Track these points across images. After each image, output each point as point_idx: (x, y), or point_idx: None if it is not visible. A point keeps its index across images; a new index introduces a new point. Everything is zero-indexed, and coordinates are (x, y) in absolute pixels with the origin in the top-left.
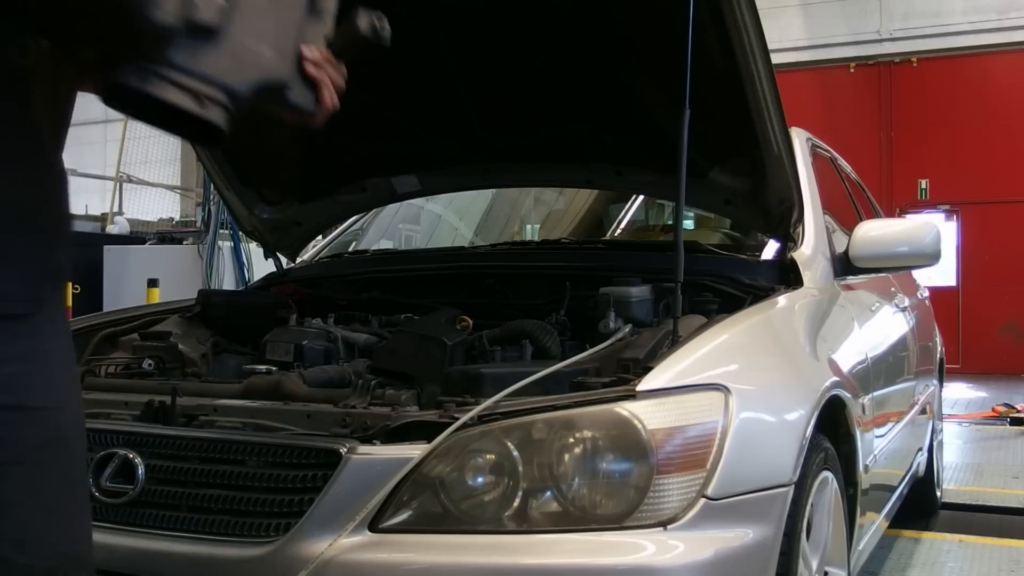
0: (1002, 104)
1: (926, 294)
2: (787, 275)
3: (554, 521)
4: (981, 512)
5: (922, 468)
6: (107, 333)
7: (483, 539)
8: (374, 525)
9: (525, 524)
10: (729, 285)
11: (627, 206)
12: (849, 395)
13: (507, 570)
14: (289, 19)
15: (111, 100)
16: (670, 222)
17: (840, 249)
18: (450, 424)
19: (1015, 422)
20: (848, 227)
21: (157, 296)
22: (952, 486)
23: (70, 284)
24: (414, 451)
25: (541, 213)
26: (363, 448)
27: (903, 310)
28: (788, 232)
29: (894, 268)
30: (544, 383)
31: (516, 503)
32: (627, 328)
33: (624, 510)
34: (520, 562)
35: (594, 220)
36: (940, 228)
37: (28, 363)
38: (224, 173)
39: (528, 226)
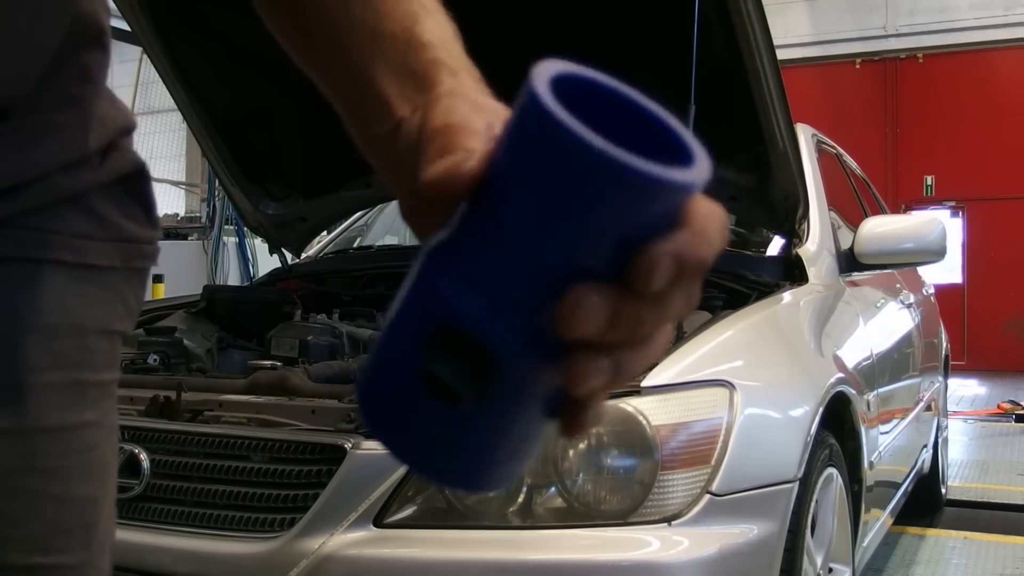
0: (1008, 100)
1: (931, 291)
2: (792, 271)
3: (559, 517)
4: (986, 509)
5: (927, 465)
6: None
7: (488, 535)
8: (379, 520)
9: (530, 520)
10: (734, 281)
11: None
12: (854, 391)
13: (511, 566)
14: None
15: None
16: None
17: (845, 245)
18: None
19: (1020, 419)
20: (853, 223)
21: (162, 291)
22: (957, 483)
23: None
24: None
25: None
26: (367, 443)
27: (908, 307)
28: (793, 228)
29: (899, 265)
30: None
31: (521, 499)
32: None
33: (629, 506)
34: (525, 558)
35: None
36: (946, 224)
37: None
38: (229, 169)
39: None
